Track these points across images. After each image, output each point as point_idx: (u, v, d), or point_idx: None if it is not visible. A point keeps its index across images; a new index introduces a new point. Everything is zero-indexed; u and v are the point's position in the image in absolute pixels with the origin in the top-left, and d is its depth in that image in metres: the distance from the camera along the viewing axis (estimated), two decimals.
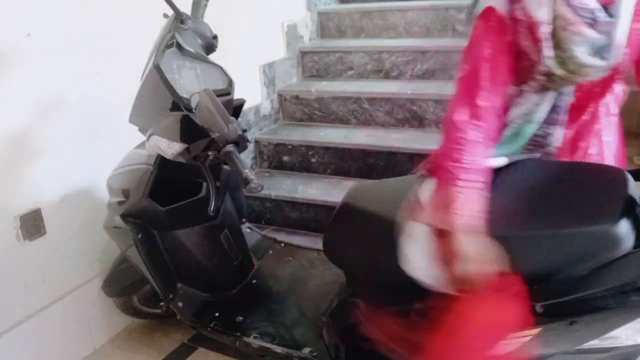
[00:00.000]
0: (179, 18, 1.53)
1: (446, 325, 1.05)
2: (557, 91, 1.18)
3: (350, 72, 3.08)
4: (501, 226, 1.08)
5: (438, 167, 1.13)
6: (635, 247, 1.03)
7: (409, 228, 1.17)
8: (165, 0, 1.48)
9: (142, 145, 1.61)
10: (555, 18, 1.03)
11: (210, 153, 1.40)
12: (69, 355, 1.85)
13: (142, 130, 1.54)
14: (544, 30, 1.04)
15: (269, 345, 1.55)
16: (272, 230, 2.55)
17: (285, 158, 2.79)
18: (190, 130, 1.39)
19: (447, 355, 1.07)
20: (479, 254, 1.03)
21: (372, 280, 1.35)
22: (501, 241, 1.05)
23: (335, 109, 2.89)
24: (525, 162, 1.27)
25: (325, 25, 3.37)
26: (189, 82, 1.50)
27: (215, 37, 1.66)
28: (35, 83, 1.65)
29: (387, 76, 2.99)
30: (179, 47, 1.51)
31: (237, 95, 1.60)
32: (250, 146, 2.78)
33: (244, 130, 1.40)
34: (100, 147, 1.86)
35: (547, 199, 1.15)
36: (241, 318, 1.66)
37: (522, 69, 1.12)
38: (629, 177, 1.13)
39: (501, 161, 1.23)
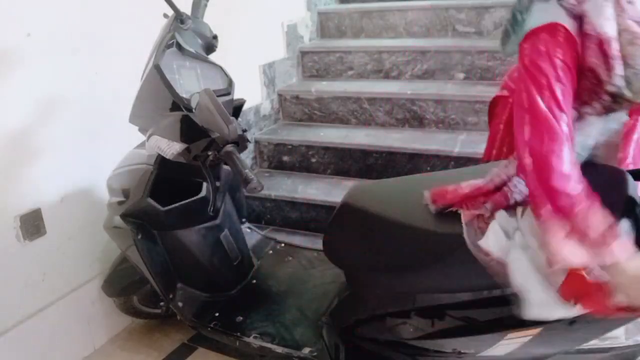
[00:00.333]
0: (179, 18, 1.53)
1: None
2: (609, 115, 1.10)
3: (350, 72, 3.08)
4: None
5: (542, 205, 0.99)
6: (635, 247, 1.03)
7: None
8: (165, 0, 1.48)
9: (142, 145, 1.61)
10: (621, 33, 0.98)
11: (210, 153, 1.40)
12: (69, 355, 1.85)
13: (142, 130, 1.54)
14: (615, 47, 0.97)
15: (269, 345, 1.55)
16: (272, 230, 2.55)
17: (285, 158, 2.79)
18: (190, 130, 1.39)
19: None
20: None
21: (372, 280, 1.35)
22: None
23: (335, 109, 2.89)
24: None
25: (325, 25, 3.37)
26: (189, 82, 1.50)
27: (215, 37, 1.66)
28: (35, 83, 1.65)
29: (387, 76, 3.00)
30: (179, 47, 1.51)
31: (237, 95, 1.60)
32: (250, 146, 2.78)
33: (244, 130, 1.40)
34: (100, 147, 1.86)
35: None
36: (241, 318, 1.65)
37: (586, 89, 1.03)
38: (629, 177, 1.13)
39: None
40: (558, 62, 1.00)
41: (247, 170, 1.25)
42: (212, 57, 1.64)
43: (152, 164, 1.55)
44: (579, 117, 1.08)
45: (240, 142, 1.34)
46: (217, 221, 1.72)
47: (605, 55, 0.98)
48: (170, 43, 1.49)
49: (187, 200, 1.60)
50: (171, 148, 1.40)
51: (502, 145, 1.55)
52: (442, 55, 2.83)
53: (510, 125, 1.37)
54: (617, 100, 1.02)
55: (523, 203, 1.13)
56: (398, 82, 2.91)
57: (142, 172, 1.56)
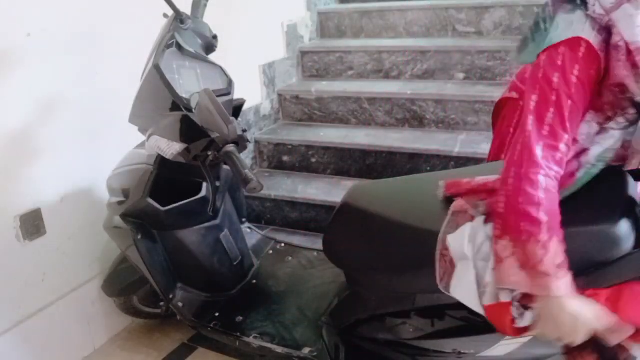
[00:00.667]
0: (179, 18, 1.53)
1: None
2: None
3: (350, 72, 3.08)
4: None
5: (507, 224, 1.01)
6: (635, 247, 1.03)
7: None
8: (165, 0, 1.48)
9: (142, 145, 1.61)
10: None
11: (210, 153, 1.41)
12: (69, 355, 1.85)
13: (142, 130, 1.55)
14: None
15: (269, 345, 1.55)
16: (272, 230, 2.55)
17: (285, 158, 2.79)
18: (190, 130, 1.39)
19: None
20: (582, 316, 0.96)
21: (372, 280, 1.35)
22: None
23: (335, 109, 2.89)
24: None
25: (325, 25, 3.37)
26: (189, 82, 1.50)
27: (215, 37, 1.66)
28: (35, 83, 1.65)
29: (387, 76, 3.00)
30: (179, 47, 1.51)
31: (237, 95, 1.60)
32: (250, 146, 2.78)
33: (244, 130, 1.40)
34: (100, 147, 1.86)
35: None
36: (241, 318, 1.66)
37: (609, 103, 1.00)
38: (629, 177, 1.13)
39: None
40: (572, 79, 0.97)
41: (247, 170, 1.25)
42: (212, 57, 1.64)
43: (152, 164, 1.55)
44: (602, 130, 1.05)
45: (240, 142, 1.34)
46: (217, 221, 1.72)
47: (635, 66, 0.95)
48: (170, 43, 1.49)
49: (187, 200, 1.60)
50: (171, 148, 1.40)
51: None
52: (442, 55, 2.83)
53: None
54: None
55: None
56: (398, 82, 2.91)
57: (142, 172, 1.56)
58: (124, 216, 1.58)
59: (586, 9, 1.00)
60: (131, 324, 2.06)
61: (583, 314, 0.96)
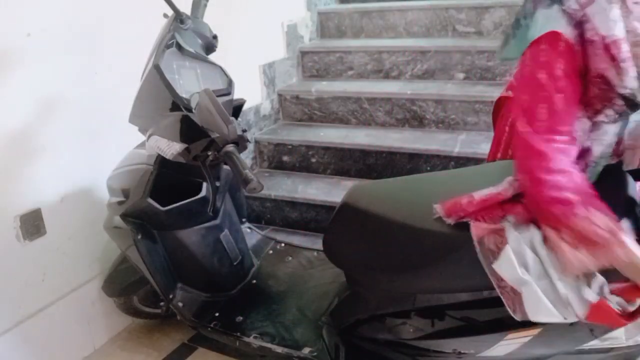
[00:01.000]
0: (179, 18, 1.53)
1: None
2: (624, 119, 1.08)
3: (350, 72, 3.08)
4: None
5: (544, 216, 1.01)
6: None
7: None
8: (165, 0, 1.48)
9: (142, 145, 1.61)
10: (627, 34, 0.96)
11: (210, 153, 1.40)
12: (69, 355, 1.85)
13: (142, 130, 1.54)
14: (625, 49, 0.95)
15: (269, 345, 1.55)
16: (272, 230, 2.55)
17: (285, 158, 2.79)
18: (190, 130, 1.39)
19: None
20: None
21: (372, 280, 1.35)
22: None
23: (335, 109, 2.89)
24: None
25: (325, 25, 3.38)
26: (189, 82, 1.50)
27: (215, 37, 1.66)
28: (35, 83, 1.64)
29: (387, 76, 3.00)
30: (179, 47, 1.51)
31: (237, 95, 1.60)
32: (250, 146, 2.78)
33: (244, 130, 1.40)
34: (100, 147, 1.86)
35: None
36: (241, 318, 1.66)
37: (596, 96, 1.01)
38: (629, 177, 1.13)
39: None
40: (559, 72, 0.99)
41: (246, 171, 1.25)
42: (212, 57, 1.64)
43: (152, 164, 1.55)
44: (595, 126, 1.06)
45: (240, 142, 1.34)
46: (217, 221, 1.72)
47: (613, 59, 0.96)
48: (170, 43, 1.49)
49: (187, 200, 1.60)
50: (171, 148, 1.40)
51: (507, 147, 1.54)
52: (442, 55, 2.84)
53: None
54: (630, 105, 1.00)
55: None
56: (398, 82, 2.91)
57: (142, 172, 1.56)
58: (124, 216, 1.58)
59: (562, 4, 1.01)
60: (131, 324, 2.06)
61: None
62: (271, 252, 1.98)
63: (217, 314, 1.67)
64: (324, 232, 1.45)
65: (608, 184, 1.12)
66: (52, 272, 1.77)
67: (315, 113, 2.95)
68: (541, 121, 1.00)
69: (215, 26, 1.68)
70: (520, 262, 1.05)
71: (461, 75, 2.82)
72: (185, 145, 1.40)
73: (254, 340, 1.57)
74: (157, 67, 1.42)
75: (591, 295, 0.99)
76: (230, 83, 1.58)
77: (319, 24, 3.37)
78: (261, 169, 2.85)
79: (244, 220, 1.97)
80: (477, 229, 1.12)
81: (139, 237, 1.55)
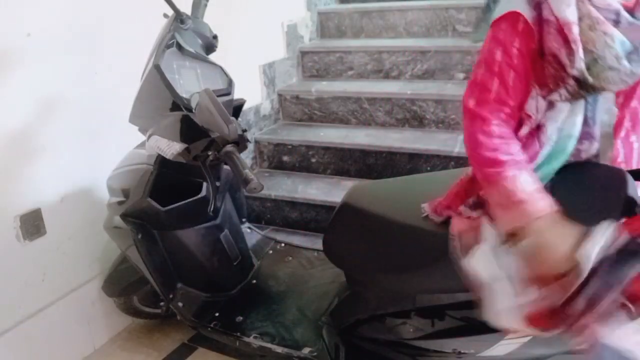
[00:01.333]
0: (179, 18, 1.53)
1: None
2: (588, 102, 1.11)
3: (350, 72, 3.08)
4: None
5: (479, 175, 1.09)
6: None
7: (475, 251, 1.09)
8: (165, 0, 1.48)
9: (142, 145, 1.61)
10: (581, 18, 0.99)
11: (210, 153, 1.40)
12: (69, 355, 1.85)
13: (142, 130, 1.54)
14: (575, 31, 0.99)
15: (269, 345, 1.55)
16: (272, 230, 2.55)
17: (285, 158, 2.79)
18: (190, 130, 1.39)
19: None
20: (562, 236, 0.97)
21: (372, 280, 1.35)
22: None
23: (335, 109, 2.89)
24: None
25: (325, 25, 3.37)
26: (189, 82, 1.50)
27: (215, 37, 1.66)
28: (35, 83, 1.64)
29: (387, 76, 3.00)
30: (179, 47, 1.51)
31: (237, 95, 1.60)
32: (250, 146, 2.78)
33: (244, 130, 1.40)
34: (100, 147, 1.86)
35: None
36: (241, 318, 1.66)
37: (550, 76, 1.06)
38: (629, 177, 1.13)
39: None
40: (514, 51, 1.04)
41: (247, 171, 1.25)
42: (212, 57, 1.64)
43: (152, 164, 1.55)
44: (551, 105, 1.11)
45: (240, 142, 1.34)
46: (217, 221, 1.72)
47: (565, 40, 1.01)
48: (170, 43, 1.49)
49: (187, 200, 1.60)
50: (171, 148, 1.40)
51: None
52: (442, 55, 2.83)
53: None
54: (582, 85, 1.04)
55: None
56: (398, 82, 2.91)
57: (142, 172, 1.56)
58: (124, 216, 1.58)
59: None
60: (131, 324, 2.06)
61: (568, 230, 0.97)
62: (271, 252, 1.98)
63: (217, 314, 1.67)
64: (324, 232, 1.45)
65: (608, 184, 1.12)
66: (52, 272, 1.77)
67: (315, 113, 2.95)
68: (490, 92, 1.06)
69: (215, 26, 1.68)
70: (495, 258, 1.08)
71: (461, 75, 2.81)
72: (186, 145, 1.40)
73: (254, 340, 1.57)
74: (157, 67, 1.42)
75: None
76: (230, 83, 1.58)
77: (319, 24, 3.37)
78: (261, 169, 2.85)
79: (244, 220, 1.97)
80: (458, 223, 1.17)
81: (139, 237, 1.55)
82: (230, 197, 1.84)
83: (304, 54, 3.16)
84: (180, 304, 1.64)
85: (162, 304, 1.93)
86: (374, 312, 1.37)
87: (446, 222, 1.21)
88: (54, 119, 1.72)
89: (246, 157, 2.76)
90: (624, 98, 1.13)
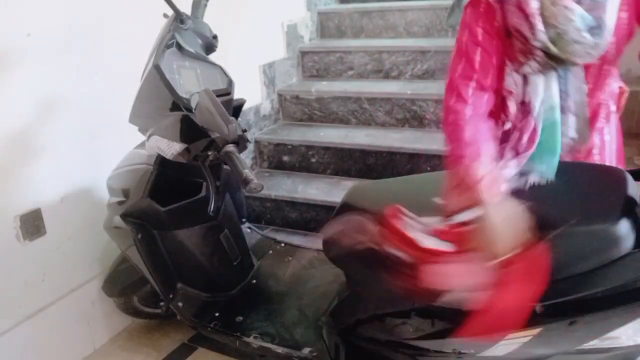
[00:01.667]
0: (179, 18, 1.53)
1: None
2: (559, 74, 1.17)
3: (350, 72, 3.08)
4: None
5: (449, 159, 1.16)
6: (635, 247, 1.03)
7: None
8: (165, 0, 1.48)
9: (142, 145, 1.61)
10: None
11: (210, 153, 1.41)
12: (69, 355, 1.85)
13: (142, 130, 1.55)
14: (533, 6, 1.06)
15: (269, 345, 1.55)
16: (272, 230, 2.55)
17: (285, 158, 2.79)
18: (190, 130, 1.39)
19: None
20: (510, 222, 1.02)
21: (372, 280, 1.35)
22: None
23: (335, 109, 2.89)
24: None
25: (325, 25, 3.37)
26: (189, 82, 1.50)
27: (215, 37, 1.66)
28: (35, 83, 1.65)
29: (387, 76, 3.00)
30: (179, 47, 1.51)
31: (237, 95, 1.60)
32: (250, 146, 2.78)
33: (244, 130, 1.40)
34: (100, 147, 1.86)
35: (546, 199, 1.15)
36: (241, 318, 1.66)
37: (519, 50, 1.13)
38: (629, 177, 1.13)
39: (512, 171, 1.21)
40: (478, 30, 1.14)
41: (246, 171, 1.25)
42: (212, 57, 1.64)
43: (152, 164, 1.55)
44: (526, 80, 1.17)
45: (240, 142, 1.34)
46: (217, 221, 1.72)
47: (525, 15, 1.07)
48: (170, 43, 1.49)
49: (187, 200, 1.60)
50: (171, 148, 1.40)
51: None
52: (442, 55, 2.83)
53: None
54: (549, 57, 1.10)
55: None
56: (398, 82, 2.91)
57: (142, 172, 1.56)
58: (124, 216, 1.58)
59: None
60: (131, 324, 2.06)
61: (514, 216, 1.02)
62: (271, 252, 1.98)
63: (217, 314, 1.67)
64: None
65: (608, 184, 1.12)
66: (52, 272, 1.77)
67: (315, 113, 2.95)
68: (461, 69, 1.16)
69: (215, 26, 1.68)
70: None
71: None
72: (185, 145, 1.40)
73: (254, 340, 1.57)
74: (157, 67, 1.42)
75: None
76: (230, 83, 1.58)
77: (319, 24, 3.37)
78: (261, 169, 2.85)
79: (244, 220, 1.97)
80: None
81: (139, 237, 1.55)
82: (230, 197, 1.84)
83: (304, 54, 3.16)
84: (180, 304, 1.64)
85: (162, 304, 1.93)
86: (374, 312, 1.37)
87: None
88: (54, 119, 1.72)
89: (246, 157, 2.76)
90: (593, 85, 1.20)
